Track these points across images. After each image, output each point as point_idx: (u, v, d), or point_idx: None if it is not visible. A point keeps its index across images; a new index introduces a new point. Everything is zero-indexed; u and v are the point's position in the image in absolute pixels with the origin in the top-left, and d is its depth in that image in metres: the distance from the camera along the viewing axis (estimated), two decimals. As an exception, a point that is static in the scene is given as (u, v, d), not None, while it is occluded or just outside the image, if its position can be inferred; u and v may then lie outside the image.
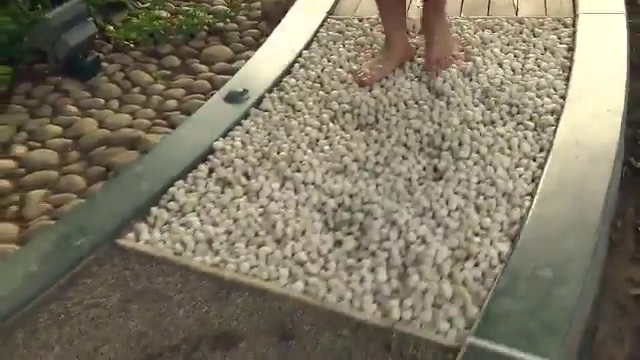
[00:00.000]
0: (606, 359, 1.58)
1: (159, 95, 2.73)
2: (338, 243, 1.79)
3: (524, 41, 2.59)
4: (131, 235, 1.85)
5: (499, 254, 1.66)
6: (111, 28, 3.16)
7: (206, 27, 3.23)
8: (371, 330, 1.54)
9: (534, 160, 1.97)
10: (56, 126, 2.55)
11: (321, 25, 2.86)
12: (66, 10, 2.72)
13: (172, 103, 2.67)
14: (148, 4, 3.39)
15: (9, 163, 2.34)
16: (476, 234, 1.74)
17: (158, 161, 2.10)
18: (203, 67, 2.94)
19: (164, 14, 3.34)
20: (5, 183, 2.24)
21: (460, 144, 2.05)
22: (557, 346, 1.41)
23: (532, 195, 1.82)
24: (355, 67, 2.49)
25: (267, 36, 3.00)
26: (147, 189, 1.97)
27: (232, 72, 2.75)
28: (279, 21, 3.06)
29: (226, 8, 3.32)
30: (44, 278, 1.69)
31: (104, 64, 2.94)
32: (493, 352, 1.41)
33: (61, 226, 1.88)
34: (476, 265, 1.65)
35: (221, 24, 3.25)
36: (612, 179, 1.85)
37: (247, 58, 2.88)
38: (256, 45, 3.03)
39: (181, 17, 3.30)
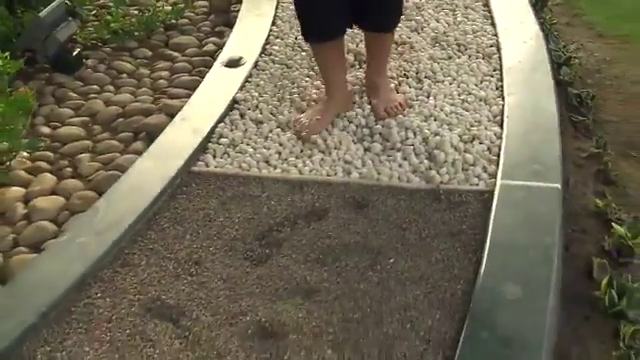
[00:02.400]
0: (580, 196, 2.18)
1: (148, 78, 3.08)
2: (367, 150, 2.29)
3: (447, 3, 3.23)
4: (201, 164, 2.25)
5: (495, 134, 2.24)
6: (78, 30, 3.45)
7: (162, 24, 3.60)
8: (422, 192, 2.06)
9: (492, 77, 2.58)
10: (67, 109, 2.83)
11: (276, 8, 3.34)
12: (54, 10, 3.02)
13: (163, 82, 3.02)
14: (96, 11, 3.70)
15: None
16: (472, 125, 2.31)
17: (198, 109, 2.50)
18: (176, 54, 3.30)
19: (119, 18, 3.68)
20: (49, 153, 2.52)
21: (433, 72, 2.62)
22: (558, 177, 2.00)
23: (502, 97, 2.42)
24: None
25: (221, 26, 3.45)
26: (199, 130, 2.36)
27: (207, 54, 3.18)
28: (227, 14, 3.52)
29: (177, 6, 3.70)
30: (149, 197, 2.05)
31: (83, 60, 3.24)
32: (520, 185, 1.97)
33: (140, 163, 2.23)
34: (481, 143, 2.22)
35: (174, 20, 3.63)
36: (552, 79, 2.51)
37: (214, 43, 3.31)
38: (215, 33, 3.46)
39: (134, 18, 3.65)
